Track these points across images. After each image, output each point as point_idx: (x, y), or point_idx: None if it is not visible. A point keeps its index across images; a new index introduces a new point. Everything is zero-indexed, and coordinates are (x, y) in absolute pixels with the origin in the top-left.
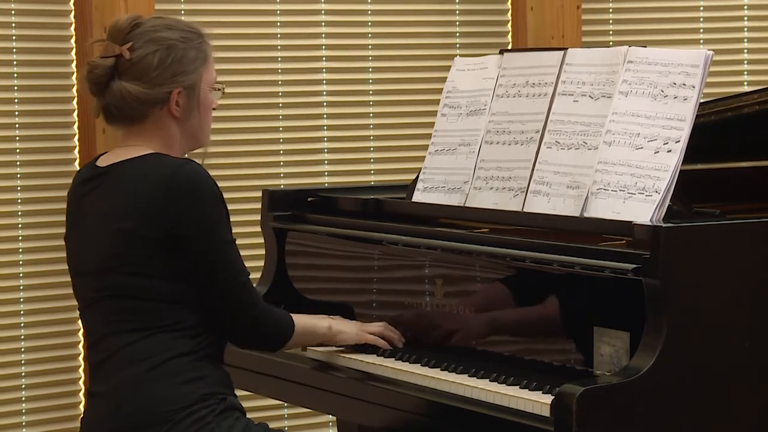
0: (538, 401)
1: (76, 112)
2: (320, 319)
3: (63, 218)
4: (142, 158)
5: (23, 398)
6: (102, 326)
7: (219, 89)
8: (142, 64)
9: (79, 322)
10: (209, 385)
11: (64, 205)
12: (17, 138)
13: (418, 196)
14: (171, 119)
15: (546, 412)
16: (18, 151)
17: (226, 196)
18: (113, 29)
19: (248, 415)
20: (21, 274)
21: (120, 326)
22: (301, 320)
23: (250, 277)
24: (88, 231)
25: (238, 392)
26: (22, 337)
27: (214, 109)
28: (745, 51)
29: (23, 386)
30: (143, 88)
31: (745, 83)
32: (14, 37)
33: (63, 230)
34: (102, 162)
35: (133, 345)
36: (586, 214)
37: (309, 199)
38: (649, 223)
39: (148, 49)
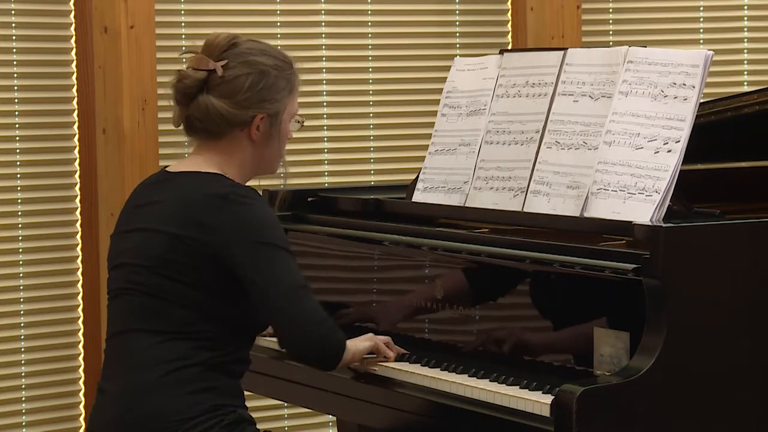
0: (538, 401)
1: (76, 112)
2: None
3: (63, 218)
4: (207, 174)
5: (23, 398)
6: (122, 322)
7: (299, 121)
8: (233, 84)
9: (80, 321)
10: (220, 397)
11: (64, 205)
12: (17, 138)
13: (418, 196)
14: (248, 142)
15: (546, 412)
16: (18, 151)
17: None
18: (209, 44)
19: None
20: (21, 274)
21: (139, 325)
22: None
23: None
24: (134, 227)
25: None
26: (22, 337)
27: (288, 139)
28: (745, 51)
29: (23, 386)
30: (229, 107)
31: (745, 83)
32: (14, 37)
33: (63, 230)
34: (172, 168)
35: (149, 349)
36: (586, 214)
37: (309, 199)
38: (649, 223)
39: (241, 71)
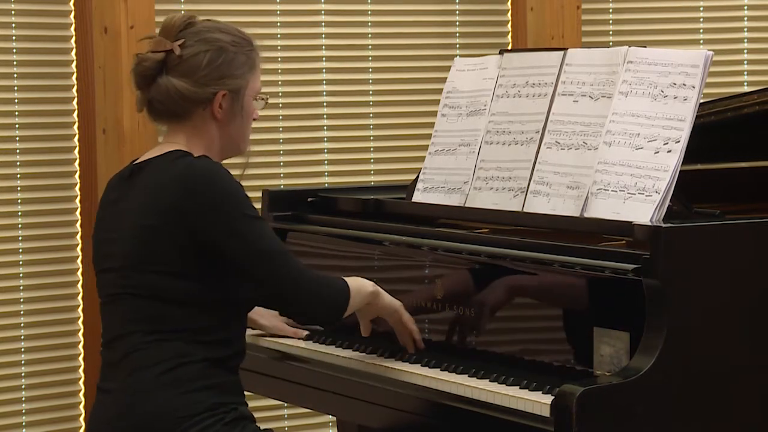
0: (538, 401)
1: (76, 113)
2: (363, 279)
3: (63, 218)
4: (165, 156)
5: (23, 398)
6: (118, 325)
7: (262, 99)
8: (191, 62)
9: (80, 321)
10: (220, 394)
11: (64, 205)
12: (17, 138)
13: (418, 197)
14: (213, 121)
15: (546, 412)
16: (18, 151)
17: None
18: (166, 26)
19: None
20: (21, 275)
21: (136, 327)
22: (349, 281)
23: None
24: (114, 227)
25: None
26: (22, 337)
27: (254, 119)
28: (745, 51)
29: (23, 386)
30: (189, 85)
31: (745, 83)
32: (14, 37)
33: (63, 230)
34: (140, 159)
35: (147, 349)
36: (586, 215)
37: (309, 199)
38: (649, 224)
39: (199, 48)
